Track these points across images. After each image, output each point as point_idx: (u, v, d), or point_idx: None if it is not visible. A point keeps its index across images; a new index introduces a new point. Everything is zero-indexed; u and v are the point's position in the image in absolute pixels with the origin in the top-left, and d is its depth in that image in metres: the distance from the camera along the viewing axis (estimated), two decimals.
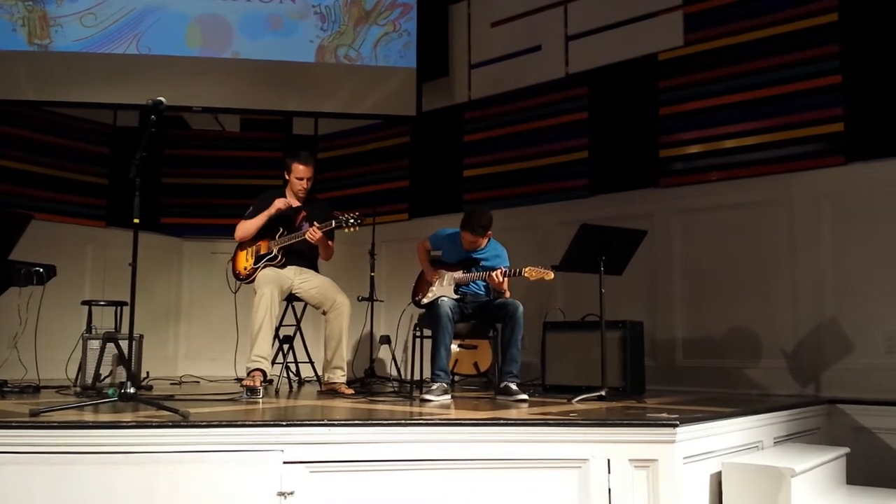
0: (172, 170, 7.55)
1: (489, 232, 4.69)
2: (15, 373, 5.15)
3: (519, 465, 3.14)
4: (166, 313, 7.26)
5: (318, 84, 6.83)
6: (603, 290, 4.44)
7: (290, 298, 5.01)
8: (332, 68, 6.83)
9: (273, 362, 4.78)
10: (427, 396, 4.25)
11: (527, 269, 4.45)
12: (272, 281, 4.65)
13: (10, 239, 4.34)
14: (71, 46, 6.46)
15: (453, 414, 3.64)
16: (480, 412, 3.67)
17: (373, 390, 5.13)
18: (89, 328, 5.10)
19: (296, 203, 4.93)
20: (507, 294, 4.73)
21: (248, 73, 6.66)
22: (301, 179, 4.88)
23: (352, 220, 4.61)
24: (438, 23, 7.13)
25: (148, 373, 5.39)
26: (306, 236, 4.69)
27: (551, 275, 4.41)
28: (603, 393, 4.29)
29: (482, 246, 4.75)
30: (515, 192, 6.51)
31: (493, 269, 4.60)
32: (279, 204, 4.83)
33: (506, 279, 4.65)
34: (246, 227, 4.93)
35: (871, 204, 4.88)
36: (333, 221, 4.66)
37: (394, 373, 6.37)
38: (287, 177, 4.94)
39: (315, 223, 4.72)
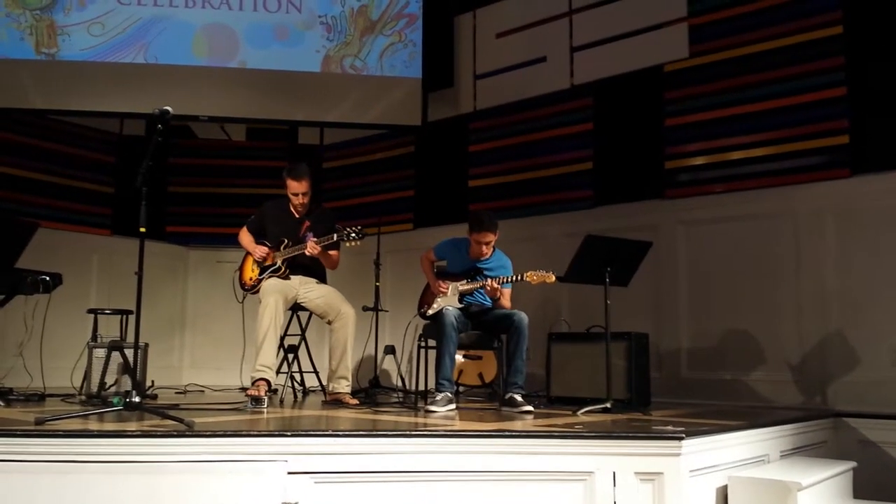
0: (178, 179, 7.57)
1: (497, 232, 4.68)
2: (20, 381, 5.15)
3: (523, 477, 3.13)
4: (171, 322, 7.26)
5: (324, 94, 6.85)
6: (608, 302, 4.43)
7: (295, 308, 5.01)
8: (337, 78, 6.85)
9: (278, 372, 4.78)
10: (431, 407, 4.25)
11: (528, 274, 4.45)
12: (277, 291, 4.65)
13: (17, 247, 4.35)
14: (78, 55, 6.49)
15: (458, 425, 3.64)
16: (485, 423, 3.66)
17: (377, 401, 5.12)
18: (95, 337, 5.11)
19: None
20: (507, 305, 4.73)
21: (254, 83, 6.69)
22: (296, 195, 4.85)
23: (353, 235, 4.60)
24: (444, 33, 7.16)
25: (153, 381, 5.41)
26: (306, 251, 4.69)
27: (552, 277, 4.40)
28: (608, 405, 4.27)
29: (489, 254, 4.75)
30: (520, 203, 6.51)
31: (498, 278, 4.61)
32: (259, 254, 4.89)
33: (506, 290, 4.65)
34: (242, 242, 5.05)
35: (876, 216, 4.87)
36: (335, 235, 4.65)
37: (398, 383, 6.36)
38: (285, 191, 4.92)
39: (313, 237, 4.72)
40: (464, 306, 4.71)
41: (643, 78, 5.99)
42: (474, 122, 6.97)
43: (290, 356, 5.40)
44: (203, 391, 5.95)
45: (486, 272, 4.73)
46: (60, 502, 2.81)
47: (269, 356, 4.53)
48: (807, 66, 5.23)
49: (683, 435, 3.15)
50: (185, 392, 5.80)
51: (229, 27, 6.73)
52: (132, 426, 3.15)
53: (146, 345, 4.91)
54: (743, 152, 5.46)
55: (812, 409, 4.85)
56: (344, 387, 4.74)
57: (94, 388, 4.72)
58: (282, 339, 4.92)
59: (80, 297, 6.31)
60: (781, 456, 3.94)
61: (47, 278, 4.37)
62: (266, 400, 4.31)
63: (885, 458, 4.45)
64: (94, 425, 3.22)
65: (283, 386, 5.05)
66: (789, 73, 5.30)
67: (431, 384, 4.67)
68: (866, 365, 4.80)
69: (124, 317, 5.27)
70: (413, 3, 6.96)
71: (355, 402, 4.68)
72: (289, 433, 3.03)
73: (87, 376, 4.85)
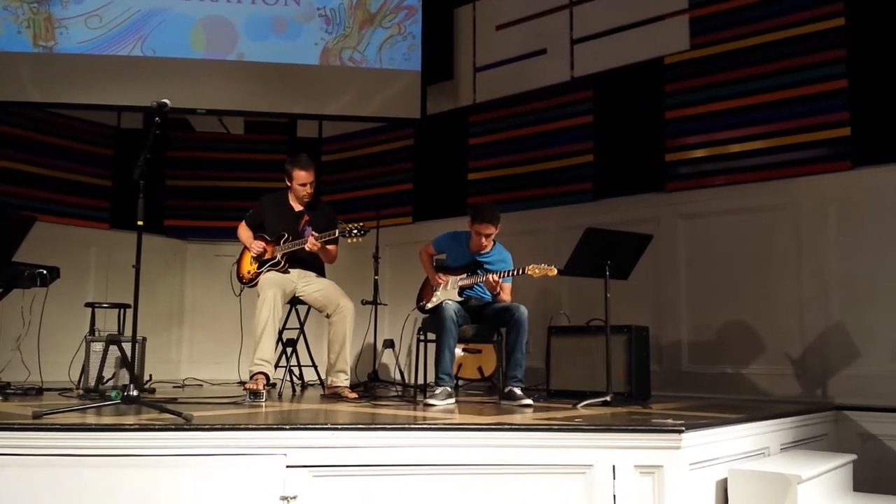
0: (176, 172, 7.54)
1: (499, 226, 4.66)
2: (18, 375, 5.14)
3: (523, 470, 3.12)
4: (169, 316, 7.25)
5: (323, 87, 6.83)
6: (608, 295, 4.41)
7: (294, 301, 5.00)
8: (336, 71, 6.82)
9: (276, 366, 4.77)
10: (431, 401, 4.23)
11: (529, 268, 4.42)
12: (275, 284, 4.64)
13: (14, 241, 4.34)
14: (76, 48, 6.46)
15: (457, 418, 3.62)
16: (484, 417, 3.65)
17: (376, 394, 5.12)
18: (92, 330, 5.09)
19: (299, 207, 4.94)
20: (508, 298, 4.71)
21: (252, 76, 6.66)
22: (304, 185, 4.86)
23: (355, 231, 4.58)
24: (443, 26, 7.12)
25: (151, 375, 5.40)
26: (306, 246, 4.67)
27: (554, 271, 4.38)
28: (608, 398, 4.26)
29: (489, 247, 4.74)
30: (520, 196, 6.49)
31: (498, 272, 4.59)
32: (256, 249, 4.87)
33: (506, 284, 4.64)
34: (241, 237, 5.04)
35: (878, 209, 4.85)
36: (336, 231, 4.63)
37: (397, 377, 6.35)
38: (289, 183, 4.91)
39: (313, 232, 4.71)
40: (463, 300, 4.70)
41: (644, 70, 5.96)
42: (474, 115, 6.94)
43: (289, 350, 5.38)
44: (201, 385, 5.94)
45: (486, 266, 4.72)
46: (58, 496, 2.81)
47: (267, 350, 4.52)
48: (808, 59, 5.21)
49: (683, 428, 3.14)
50: (183, 386, 5.78)
51: (227, 20, 6.70)
52: (130, 420, 3.14)
53: (144, 339, 4.89)
54: (744, 145, 5.43)
55: (812, 402, 4.84)
56: (342, 380, 4.73)
57: (92, 381, 4.71)
58: (280, 332, 4.91)
59: (78, 291, 6.30)
60: (782, 449, 3.93)
61: (45, 272, 4.36)
62: (264, 394, 4.30)
63: (885, 451, 4.45)
64: (91, 419, 3.21)
65: (282, 380, 5.03)
66: (791, 65, 5.27)
67: (430, 378, 4.67)
68: (867, 358, 4.79)
69: (122, 310, 5.25)
70: None
71: (354, 395, 4.67)
72: (287, 427, 3.02)
73: (84, 370, 4.85)
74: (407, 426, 3.17)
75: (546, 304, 5.97)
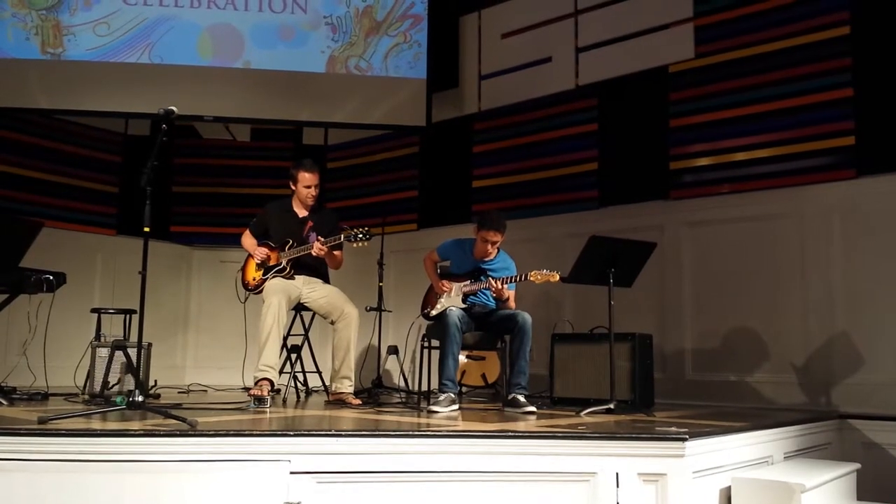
0: (183, 178, 7.57)
1: (504, 234, 4.68)
2: (24, 380, 5.15)
3: (526, 478, 3.12)
4: (175, 322, 7.27)
5: (329, 94, 6.85)
6: (612, 303, 4.42)
7: (299, 308, 5.01)
8: (342, 79, 6.85)
9: (281, 372, 4.78)
10: (434, 408, 4.24)
11: (532, 274, 4.42)
12: (280, 290, 4.65)
13: (21, 246, 4.35)
14: (84, 55, 6.50)
15: (461, 425, 3.63)
16: (488, 424, 3.65)
17: (380, 401, 5.12)
18: (98, 336, 5.11)
19: (304, 212, 4.96)
20: (512, 305, 4.72)
21: (258, 83, 6.69)
22: (309, 188, 4.89)
23: (360, 235, 4.59)
24: (449, 34, 7.16)
25: (156, 381, 5.41)
26: (312, 251, 4.69)
27: (556, 276, 4.37)
28: (611, 406, 4.26)
29: (493, 255, 4.75)
30: (524, 203, 6.50)
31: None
32: (260, 256, 4.88)
33: (510, 291, 4.65)
34: (244, 245, 5.06)
35: (882, 218, 4.85)
36: (342, 235, 4.65)
37: (401, 383, 6.35)
38: (294, 187, 4.94)
39: (319, 238, 4.72)
40: (467, 307, 4.70)
41: (648, 78, 5.98)
42: (479, 123, 6.96)
43: (293, 356, 5.40)
44: (206, 391, 5.96)
45: (489, 273, 4.72)
46: (63, 501, 2.81)
47: (271, 356, 4.52)
48: (813, 67, 5.22)
49: (687, 436, 3.14)
50: (187, 392, 5.80)
51: (234, 27, 6.74)
52: (135, 425, 3.15)
53: (149, 344, 4.91)
54: (748, 153, 5.44)
55: (816, 410, 4.83)
56: (347, 387, 4.73)
57: (98, 387, 4.73)
58: (285, 339, 4.92)
59: (84, 297, 6.32)
60: (785, 457, 3.93)
61: (51, 277, 4.37)
62: (269, 400, 4.31)
63: (888, 459, 4.44)
64: (96, 424, 3.21)
65: (286, 386, 5.05)
66: (795, 73, 5.28)
67: (434, 384, 4.67)
68: (871, 366, 4.79)
69: (128, 316, 5.27)
70: (418, 4, 6.96)
71: (358, 402, 4.67)
72: (291, 433, 3.02)
73: (90, 375, 4.86)
74: (410, 433, 3.18)
75: (549, 312, 5.97)
